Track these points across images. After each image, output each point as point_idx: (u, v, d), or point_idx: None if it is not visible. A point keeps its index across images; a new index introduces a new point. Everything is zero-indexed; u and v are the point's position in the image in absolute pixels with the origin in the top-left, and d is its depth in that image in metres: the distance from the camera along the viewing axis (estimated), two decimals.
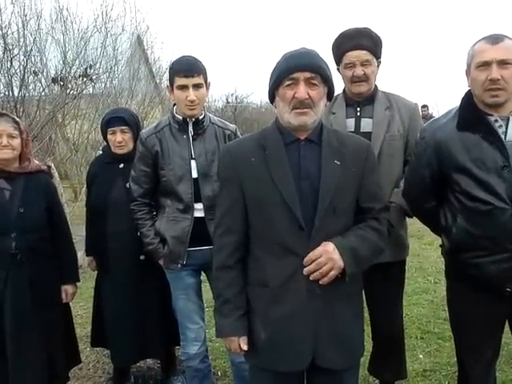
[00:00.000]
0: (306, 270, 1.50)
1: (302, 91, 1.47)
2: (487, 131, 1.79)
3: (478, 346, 1.96)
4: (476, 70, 1.80)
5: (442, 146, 1.86)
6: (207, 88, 2.31)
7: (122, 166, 2.65)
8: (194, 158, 2.32)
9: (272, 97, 1.59)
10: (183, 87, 2.22)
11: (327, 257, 1.49)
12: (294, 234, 1.52)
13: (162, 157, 2.33)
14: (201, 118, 2.34)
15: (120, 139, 2.62)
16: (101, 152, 3.02)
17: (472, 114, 1.84)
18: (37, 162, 2.47)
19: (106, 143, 2.79)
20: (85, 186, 6.23)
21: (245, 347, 1.60)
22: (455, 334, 2.09)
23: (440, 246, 2.07)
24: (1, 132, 2.27)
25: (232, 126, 2.49)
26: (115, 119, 2.63)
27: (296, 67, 1.47)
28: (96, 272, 2.88)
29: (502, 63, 1.74)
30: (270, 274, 1.56)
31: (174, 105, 2.37)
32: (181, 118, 2.33)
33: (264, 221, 1.55)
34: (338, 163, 1.55)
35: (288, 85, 1.49)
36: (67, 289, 2.51)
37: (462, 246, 1.87)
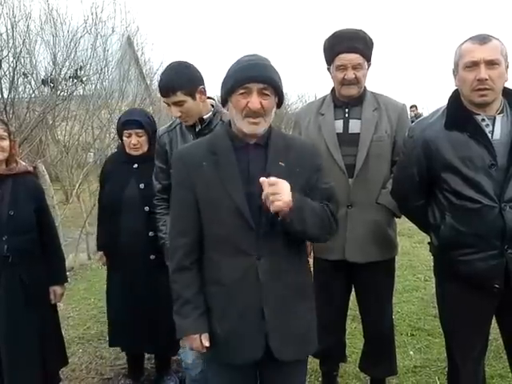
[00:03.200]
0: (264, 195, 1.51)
1: (254, 101, 1.54)
2: (475, 130, 1.82)
3: (467, 341, 2.00)
4: (464, 70, 1.82)
5: (430, 144, 1.89)
6: (196, 96, 2.21)
7: (135, 166, 2.69)
8: None
9: (225, 101, 1.64)
10: (168, 104, 2.24)
11: (281, 187, 1.50)
12: (245, 234, 1.59)
13: (171, 155, 2.28)
14: (206, 117, 2.29)
15: (135, 142, 2.65)
16: (115, 150, 3.03)
17: (459, 114, 1.87)
18: (23, 163, 2.47)
19: (120, 142, 2.82)
20: (76, 187, 6.24)
21: (206, 343, 1.65)
22: (445, 330, 2.12)
23: (428, 243, 2.10)
24: None
25: None
26: (131, 122, 2.65)
27: (249, 78, 1.54)
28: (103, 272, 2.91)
29: (490, 63, 1.77)
30: (224, 273, 1.62)
31: None
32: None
33: (216, 222, 1.62)
34: (283, 165, 1.62)
35: (241, 93, 1.55)
36: (56, 289, 2.51)
37: (451, 243, 1.90)
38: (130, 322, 2.68)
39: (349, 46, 2.22)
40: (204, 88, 2.29)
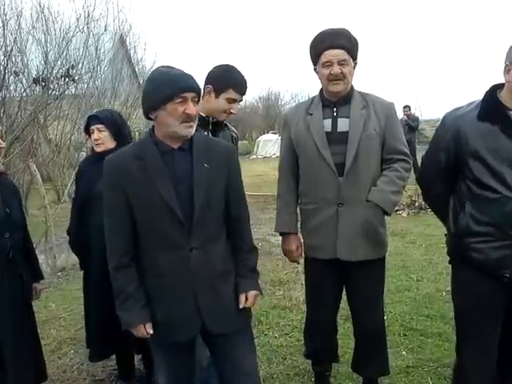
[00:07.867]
0: None
1: (192, 108, 1.75)
2: (506, 124, 1.89)
3: (478, 331, 2.02)
4: None
5: (460, 132, 1.96)
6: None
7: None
8: None
9: (154, 110, 1.77)
10: (231, 100, 2.35)
11: None
12: (176, 230, 1.77)
13: None
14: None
15: (96, 137, 2.68)
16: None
17: (494, 107, 1.94)
18: None
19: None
20: (68, 187, 6.21)
21: (151, 331, 1.82)
22: (458, 323, 2.14)
23: (445, 235, 2.16)
24: None
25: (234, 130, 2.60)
26: (92, 118, 2.73)
27: (187, 88, 1.74)
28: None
29: None
30: (162, 266, 1.80)
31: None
32: (204, 115, 2.36)
33: (150, 221, 1.78)
34: (207, 166, 1.81)
35: (179, 102, 1.73)
36: (37, 286, 2.52)
37: (468, 230, 1.96)
38: (107, 322, 2.61)
39: (333, 42, 2.25)
40: None
